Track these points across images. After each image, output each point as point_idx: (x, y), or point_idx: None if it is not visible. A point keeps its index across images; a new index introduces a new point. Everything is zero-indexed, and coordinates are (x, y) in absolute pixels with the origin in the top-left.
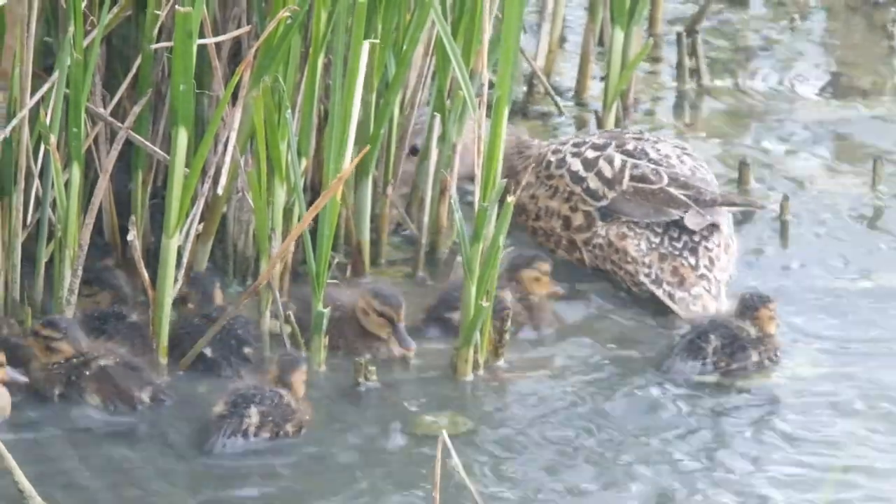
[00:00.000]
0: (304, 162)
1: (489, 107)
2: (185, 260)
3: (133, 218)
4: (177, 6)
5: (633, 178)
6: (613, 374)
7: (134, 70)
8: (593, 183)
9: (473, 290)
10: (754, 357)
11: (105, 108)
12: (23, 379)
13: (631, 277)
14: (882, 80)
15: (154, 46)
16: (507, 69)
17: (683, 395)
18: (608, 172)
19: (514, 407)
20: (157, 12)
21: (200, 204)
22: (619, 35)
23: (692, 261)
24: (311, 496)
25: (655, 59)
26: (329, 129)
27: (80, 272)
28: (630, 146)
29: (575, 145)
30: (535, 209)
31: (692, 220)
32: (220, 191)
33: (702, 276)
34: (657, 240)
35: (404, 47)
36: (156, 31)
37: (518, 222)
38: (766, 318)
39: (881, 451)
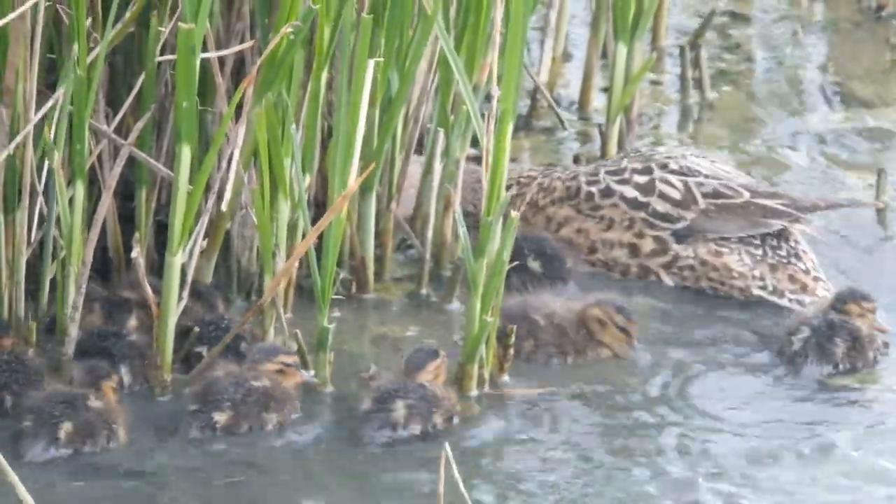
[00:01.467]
0: (307, 178)
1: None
2: (189, 277)
3: (137, 235)
4: (180, 22)
5: (705, 195)
6: (622, 389)
7: (137, 86)
8: (661, 206)
9: (478, 305)
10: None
11: (108, 124)
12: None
13: (741, 292)
14: (886, 92)
15: (157, 61)
16: (511, 84)
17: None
18: (675, 194)
19: (518, 423)
20: (161, 28)
21: (204, 221)
22: (623, 49)
23: (803, 266)
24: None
25: (659, 73)
26: (333, 145)
27: (83, 289)
28: (674, 165)
29: (612, 173)
30: (587, 243)
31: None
32: (223, 207)
33: (817, 279)
34: (759, 252)
35: (407, 63)
36: (159, 47)
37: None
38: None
39: None
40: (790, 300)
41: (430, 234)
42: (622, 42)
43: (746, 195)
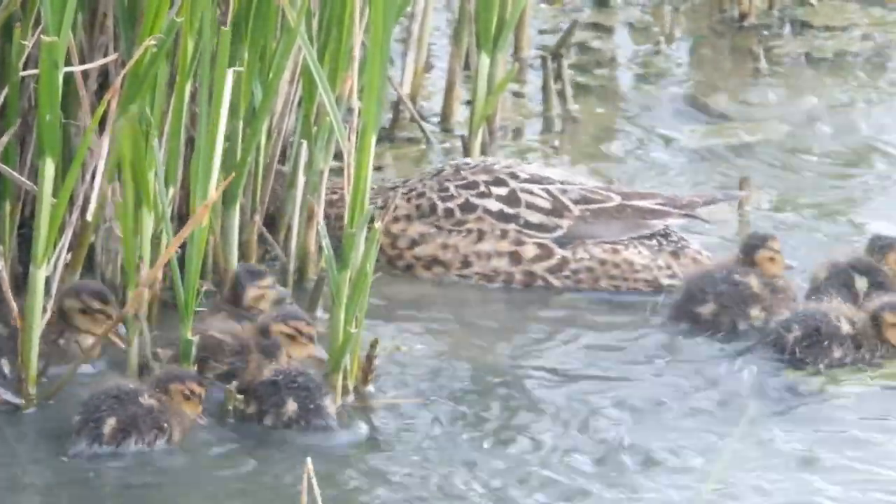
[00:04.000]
0: (171, 190)
1: (356, 133)
2: (53, 290)
3: (1, 248)
4: (42, 35)
5: (576, 202)
6: (483, 398)
7: (0, 100)
8: (533, 217)
9: (342, 316)
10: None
11: None
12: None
13: (648, 284)
14: (748, 102)
15: (21, 75)
16: (374, 95)
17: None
18: (544, 203)
19: (382, 434)
20: (24, 42)
21: (69, 234)
22: (485, 61)
23: (697, 248)
24: None
25: (522, 84)
26: (195, 156)
27: None
28: (525, 175)
29: (465, 187)
30: (458, 257)
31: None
32: (88, 219)
33: (713, 259)
34: (653, 243)
35: (270, 74)
36: (22, 60)
37: (435, 275)
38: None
39: None
40: None
41: (293, 245)
42: (484, 53)
43: (618, 198)
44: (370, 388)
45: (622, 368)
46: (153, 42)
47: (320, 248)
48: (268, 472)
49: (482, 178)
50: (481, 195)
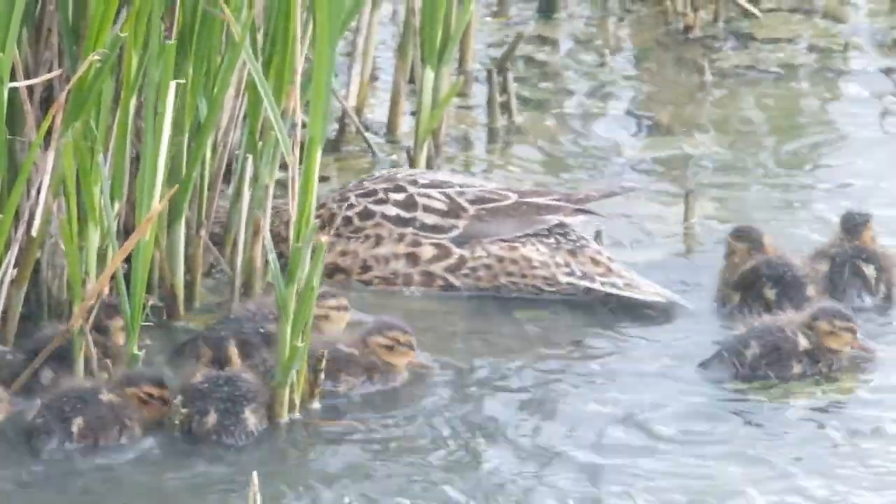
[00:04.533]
0: (117, 205)
1: (302, 146)
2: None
3: None
4: None
5: (472, 202)
6: (426, 416)
7: None
8: (428, 219)
9: (289, 330)
10: None
11: None
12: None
13: (546, 280)
14: (693, 114)
15: None
16: (319, 109)
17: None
18: (440, 205)
19: (327, 451)
20: None
21: (14, 249)
22: (430, 74)
23: (596, 248)
24: None
25: (467, 97)
26: (141, 171)
27: None
28: (423, 180)
29: (363, 195)
30: (357, 263)
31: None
32: (33, 235)
33: (611, 260)
34: (551, 241)
35: (216, 89)
36: None
37: (338, 283)
38: None
39: None
40: (602, 283)
41: (239, 259)
42: (429, 67)
43: (514, 196)
44: (316, 403)
45: (567, 384)
46: (97, 57)
47: (267, 263)
48: (213, 487)
49: (381, 186)
50: (379, 202)
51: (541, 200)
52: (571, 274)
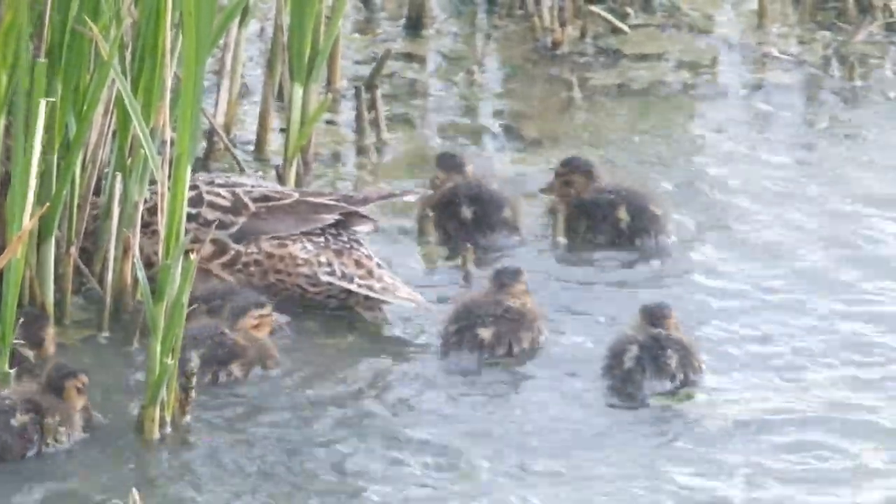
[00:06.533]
0: None
1: (170, 164)
2: None
3: None
4: None
5: (255, 200)
6: (306, 425)
7: None
8: (210, 215)
9: (158, 348)
10: None
11: None
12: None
13: (308, 279)
14: (560, 130)
15: None
16: (187, 126)
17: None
18: (225, 202)
19: (200, 466)
20: None
21: None
22: (298, 91)
23: (366, 251)
24: None
25: (336, 114)
26: (11, 189)
27: None
28: (220, 180)
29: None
30: (144, 258)
31: (363, 227)
32: None
33: (380, 266)
34: (321, 239)
35: (85, 107)
36: None
37: None
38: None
39: None
40: (360, 285)
41: (109, 277)
42: (298, 84)
43: (296, 195)
44: (187, 419)
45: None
46: None
47: (136, 281)
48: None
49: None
50: None
51: (319, 200)
52: (332, 274)
